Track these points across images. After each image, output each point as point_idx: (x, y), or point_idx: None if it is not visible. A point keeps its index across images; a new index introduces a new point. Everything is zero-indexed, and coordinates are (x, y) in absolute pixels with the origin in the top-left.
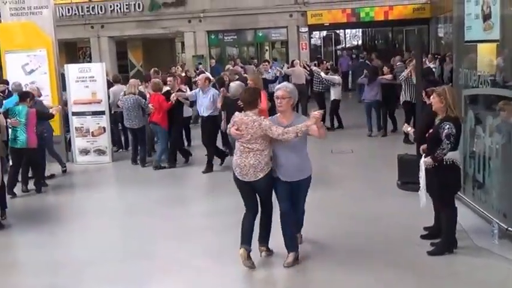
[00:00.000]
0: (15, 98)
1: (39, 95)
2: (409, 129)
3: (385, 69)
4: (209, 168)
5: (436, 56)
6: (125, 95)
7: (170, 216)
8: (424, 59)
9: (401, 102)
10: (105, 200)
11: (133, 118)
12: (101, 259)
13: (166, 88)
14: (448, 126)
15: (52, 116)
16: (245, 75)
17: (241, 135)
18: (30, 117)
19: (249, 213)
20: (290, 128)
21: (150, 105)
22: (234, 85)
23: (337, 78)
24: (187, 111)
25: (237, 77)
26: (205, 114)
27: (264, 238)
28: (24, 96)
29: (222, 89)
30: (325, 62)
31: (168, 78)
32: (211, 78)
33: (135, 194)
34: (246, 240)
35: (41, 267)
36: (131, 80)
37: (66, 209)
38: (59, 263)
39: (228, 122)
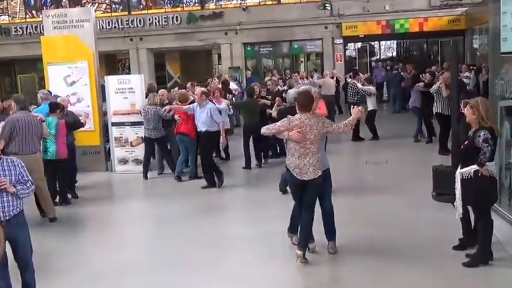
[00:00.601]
0: (45, 106)
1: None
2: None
3: (427, 76)
4: (210, 184)
5: (471, 67)
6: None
7: (205, 224)
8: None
9: (434, 113)
10: (142, 209)
11: (152, 128)
12: (138, 268)
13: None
14: (483, 133)
15: (82, 124)
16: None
17: (305, 137)
18: (60, 129)
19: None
20: (345, 122)
21: (176, 116)
22: (292, 92)
23: (372, 88)
24: (225, 123)
25: (278, 87)
26: (203, 129)
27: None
28: (55, 107)
29: (277, 98)
30: (361, 73)
31: (197, 91)
32: (207, 92)
33: (171, 203)
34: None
35: (80, 275)
36: (160, 91)
37: (101, 217)
38: (97, 272)
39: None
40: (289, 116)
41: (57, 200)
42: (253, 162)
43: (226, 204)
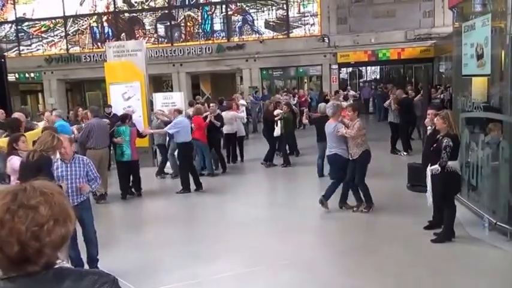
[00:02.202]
0: (60, 122)
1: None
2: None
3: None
4: (185, 189)
5: (437, 86)
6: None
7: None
8: (433, 90)
9: (388, 121)
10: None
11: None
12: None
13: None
14: (446, 140)
15: (144, 136)
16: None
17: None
18: (132, 135)
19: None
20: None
21: (192, 125)
22: (323, 105)
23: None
24: (240, 131)
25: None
26: (179, 141)
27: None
28: (125, 118)
29: (305, 110)
30: (341, 91)
31: (207, 108)
32: (181, 109)
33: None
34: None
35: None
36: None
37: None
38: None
39: (318, 134)
40: (359, 122)
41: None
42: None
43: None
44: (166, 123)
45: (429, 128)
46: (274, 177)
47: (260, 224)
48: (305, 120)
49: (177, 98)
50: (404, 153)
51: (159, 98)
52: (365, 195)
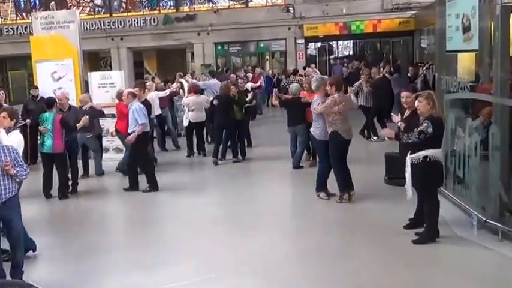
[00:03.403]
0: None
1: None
2: (397, 120)
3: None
4: (132, 187)
5: (419, 64)
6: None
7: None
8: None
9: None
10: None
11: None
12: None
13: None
14: (426, 124)
15: (74, 129)
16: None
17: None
18: (56, 123)
19: (343, 165)
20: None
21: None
22: (294, 86)
23: None
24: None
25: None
26: (129, 130)
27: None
28: (51, 103)
29: (275, 90)
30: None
31: (135, 89)
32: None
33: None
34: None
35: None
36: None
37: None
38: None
39: (290, 117)
40: (333, 96)
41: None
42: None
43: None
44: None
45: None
46: (235, 172)
47: (218, 224)
48: (275, 102)
49: (116, 78)
50: (374, 137)
51: (95, 78)
52: (338, 180)
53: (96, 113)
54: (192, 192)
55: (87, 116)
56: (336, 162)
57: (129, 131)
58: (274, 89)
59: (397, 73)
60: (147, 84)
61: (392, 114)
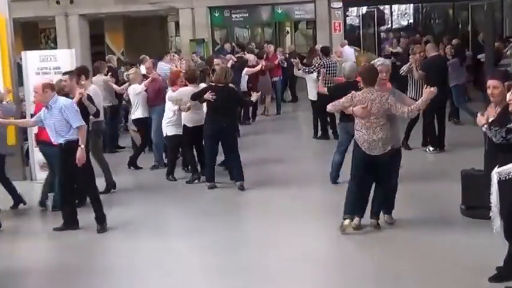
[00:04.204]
0: None
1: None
2: (483, 122)
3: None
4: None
5: (509, 38)
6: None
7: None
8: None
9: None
10: None
11: None
12: None
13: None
14: None
15: None
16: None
17: (368, 112)
18: None
19: (358, 185)
20: (412, 106)
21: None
22: (349, 65)
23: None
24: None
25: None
26: (61, 140)
27: (387, 209)
28: None
29: (322, 71)
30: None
31: (63, 77)
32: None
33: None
34: (354, 211)
35: None
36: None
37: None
38: None
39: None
40: (352, 92)
41: None
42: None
43: None
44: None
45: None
46: (239, 201)
47: (212, 278)
48: (322, 89)
49: (64, 60)
50: (431, 148)
51: (32, 60)
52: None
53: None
54: (172, 231)
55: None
56: (350, 180)
57: (56, 141)
58: (322, 70)
59: (459, 56)
60: (130, 73)
61: (478, 114)
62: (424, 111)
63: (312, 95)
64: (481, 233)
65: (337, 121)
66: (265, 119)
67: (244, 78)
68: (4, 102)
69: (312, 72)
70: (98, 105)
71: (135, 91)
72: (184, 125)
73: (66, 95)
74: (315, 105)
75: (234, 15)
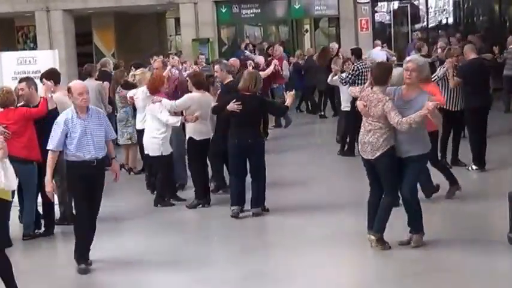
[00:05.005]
0: None
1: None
2: None
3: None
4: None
5: None
6: None
7: None
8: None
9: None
10: None
11: None
12: None
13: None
14: None
15: None
16: None
17: (367, 112)
18: None
19: (372, 195)
20: (405, 118)
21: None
22: (398, 73)
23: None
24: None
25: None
26: (99, 155)
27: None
28: None
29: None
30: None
31: (20, 86)
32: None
33: None
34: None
35: None
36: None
37: None
38: None
39: None
40: (365, 85)
41: None
42: None
43: None
44: None
45: None
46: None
47: None
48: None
49: (44, 62)
50: (474, 167)
51: (8, 62)
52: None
53: None
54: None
55: None
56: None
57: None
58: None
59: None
60: (137, 73)
61: None
62: (468, 124)
63: (346, 105)
64: None
65: None
66: (278, 133)
67: None
68: None
69: (350, 82)
70: None
71: (146, 94)
72: (191, 138)
73: (26, 105)
74: (349, 117)
75: (243, 11)
